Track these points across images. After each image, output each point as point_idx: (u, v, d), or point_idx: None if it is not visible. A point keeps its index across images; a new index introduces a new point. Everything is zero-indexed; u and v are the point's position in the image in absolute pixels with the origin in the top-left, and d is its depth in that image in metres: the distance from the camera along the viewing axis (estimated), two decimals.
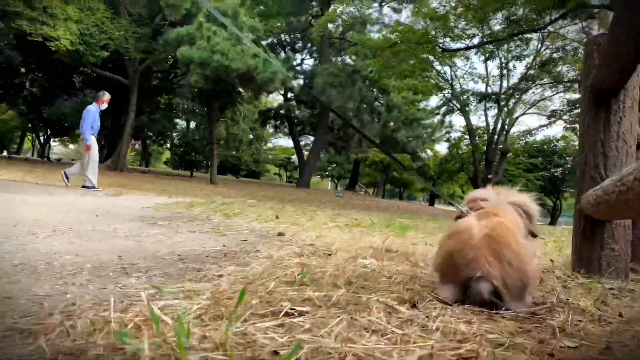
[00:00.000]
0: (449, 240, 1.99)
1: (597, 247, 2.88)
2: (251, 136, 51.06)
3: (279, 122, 35.63)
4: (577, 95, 22.13)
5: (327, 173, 55.20)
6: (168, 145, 45.17)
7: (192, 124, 45.24)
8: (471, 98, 25.00)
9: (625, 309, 2.08)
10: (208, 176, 25.89)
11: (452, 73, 24.86)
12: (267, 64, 20.33)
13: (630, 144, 2.84)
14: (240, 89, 26.01)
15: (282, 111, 33.97)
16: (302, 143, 38.56)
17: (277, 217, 6.44)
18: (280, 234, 4.46)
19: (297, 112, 34.70)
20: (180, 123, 45.71)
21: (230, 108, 31.88)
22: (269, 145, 60.32)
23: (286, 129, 36.35)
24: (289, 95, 34.47)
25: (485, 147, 25.17)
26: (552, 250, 5.52)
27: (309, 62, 36.64)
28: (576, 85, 21.46)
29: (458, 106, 25.33)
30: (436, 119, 30.00)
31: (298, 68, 34.34)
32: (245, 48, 20.07)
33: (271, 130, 44.19)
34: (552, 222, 27.07)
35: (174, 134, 43.05)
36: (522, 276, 1.78)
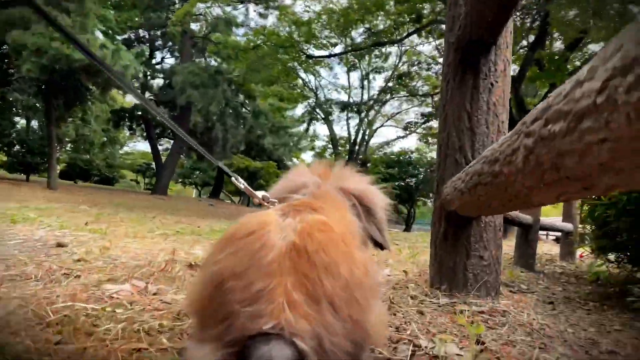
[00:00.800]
0: (221, 253, 1.05)
1: (462, 256, 2.16)
2: (104, 138, 46.86)
3: (134, 123, 32.87)
4: (429, 109, 23.41)
5: (190, 180, 52.57)
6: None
7: (35, 123, 40.01)
8: (334, 107, 25.23)
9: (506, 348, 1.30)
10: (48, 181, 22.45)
11: (317, 82, 24.86)
12: (116, 56, 18.35)
13: (502, 119, 2.19)
14: (88, 84, 23.28)
15: (138, 112, 31.31)
16: (161, 148, 36.07)
17: (86, 224, 5.14)
18: (60, 245, 3.30)
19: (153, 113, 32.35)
20: (22, 122, 40.06)
21: (78, 105, 28.49)
22: (126, 149, 55.96)
23: (143, 132, 33.68)
24: (147, 95, 32.02)
25: (347, 157, 25.51)
26: (406, 258, 4.96)
27: (170, 61, 34.35)
28: (429, 99, 22.69)
29: (322, 115, 25.41)
30: (302, 127, 29.91)
31: (158, 67, 32.04)
32: (92, 37, 17.95)
33: (127, 132, 40.84)
34: (407, 229, 28.27)
35: (12, 133, 37.62)
36: (357, 329, 0.96)
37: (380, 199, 1.61)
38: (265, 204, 1.49)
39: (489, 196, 1.33)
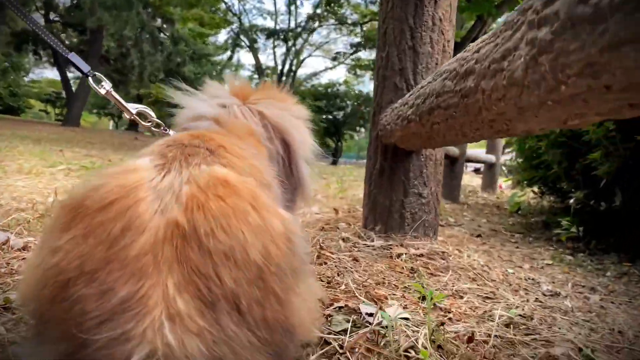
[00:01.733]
0: (63, 235, 0.67)
1: (399, 193, 1.91)
2: (6, 64, 42.45)
3: (39, 47, 29.76)
4: (358, 39, 22.93)
5: (105, 111, 49.29)
6: None
7: None
8: (259, 34, 24.05)
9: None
10: None
11: (241, 6, 23.47)
12: None
13: (448, 38, 1.89)
14: None
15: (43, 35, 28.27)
16: (72, 75, 33.14)
17: None
18: None
19: (62, 36, 29.39)
20: None
21: None
22: (33, 76, 51.07)
23: (50, 58, 30.65)
24: (52, 16, 28.85)
25: None
26: (335, 193, 4.76)
27: None
28: (358, 29, 22.19)
29: (247, 42, 24.21)
30: (225, 55, 28.42)
31: None
32: None
33: (35, 58, 37.07)
34: (334, 163, 28.50)
35: None
36: (276, 332, 0.68)
37: (300, 134, 1.27)
38: (145, 123, 1.11)
39: (449, 124, 1.04)
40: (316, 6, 22.25)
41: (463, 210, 5.12)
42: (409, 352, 0.85)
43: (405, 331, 0.93)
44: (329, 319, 1.00)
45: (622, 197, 2.92)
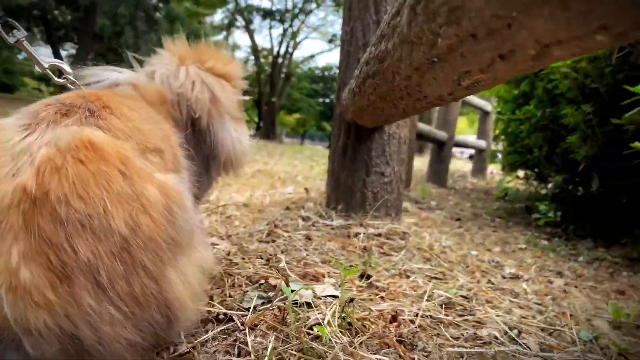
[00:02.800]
0: None
1: (361, 172, 1.86)
2: None
3: (32, 24, 29.37)
4: None
5: None
6: None
7: None
8: (255, 14, 23.72)
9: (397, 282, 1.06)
10: None
11: None
12: None
13: None
14: None
15: (35, 11, 27.82)
16: (65, 53, 32.79)
17: None
18: None
19: (56, 13, 28.98)
20: None
21: None
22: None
23: (43, 35, 30.29)
24: None
25: (270, 70, 24.55)
26: (317, 174, 4.72)
27: None
28: None
29: (242, 23, 23.91)
30: (221, 36, 28.10)
31: None
32: None
33: (28, 35, 36.50)
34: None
35: None
36: (146, 308, 0.63)
37: (228, 94, 1.17)
38: (58, 80, 1.03)
39: (378, 94, 1.00)
40: None
41: (449, 194, 5.08)
42: (313, 330, 0.81)
43: (321, 308, 0.90)
44: (244, 295, 0.96)
45: (599, 183, 2.88)
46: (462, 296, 1.25)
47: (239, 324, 0.83)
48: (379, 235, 1.79)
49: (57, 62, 1.06)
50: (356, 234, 1.75)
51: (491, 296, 1.34)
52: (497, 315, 1.12)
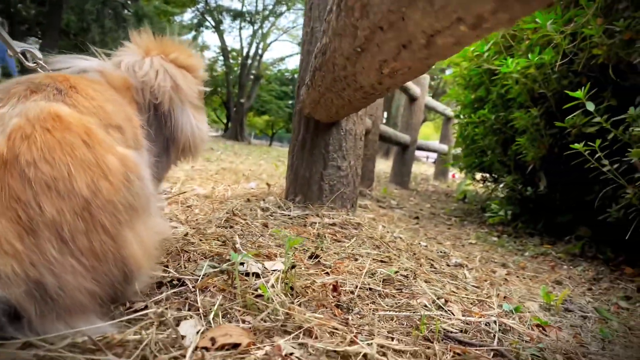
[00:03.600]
0: None
1: (318, 165, 1.96)
2: None
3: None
4: None
5: None
6: None
7: None
8: (225, 15, 23.61)
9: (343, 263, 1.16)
10: None
11: None
12: None
13: None
14: None
15: None
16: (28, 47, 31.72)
17: None
18: None
19: (19, 6, 28.15)
20: None
21: None
22: None
23: (5, 29, 29.28)
24: None
25: (239, 71, 24.44)
26: (282, 173, 4.80)
27: None
28: None
29: (212, 23, 23.76)
30: (190, 35, 27.85)
31: None
32: None
33: None
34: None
35: None
36: (104, 262, 0.73)
37: (189, 84, 1.27)
38: (29, 64, 1.11)
39: (325, 84, 1.10)
40: None
41: (411, 195, 5.25)
42: (258, 292, 0.90)
43: (268, 276, 0.99)
44: (198, 265, 1.04)
45: (546, 183, 3.06)
46: (402, 275, 1.36)
47: (191, 287, 0.91)
48: (334, 224, 1.89)
49: (28, 47, 1.14)
50: (312, 223, 1.85)
51: (431, 278, 1.45)
52: (430, 289, 1.23)
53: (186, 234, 1.37)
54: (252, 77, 24.43)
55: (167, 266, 1.02)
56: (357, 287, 1.10)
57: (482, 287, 1.56)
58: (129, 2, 27.99)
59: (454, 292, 1.27)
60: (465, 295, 1.27)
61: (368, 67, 0.70)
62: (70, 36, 28.27)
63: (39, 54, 1.13)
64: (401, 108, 15.67)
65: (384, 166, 9.64)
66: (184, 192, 2.25)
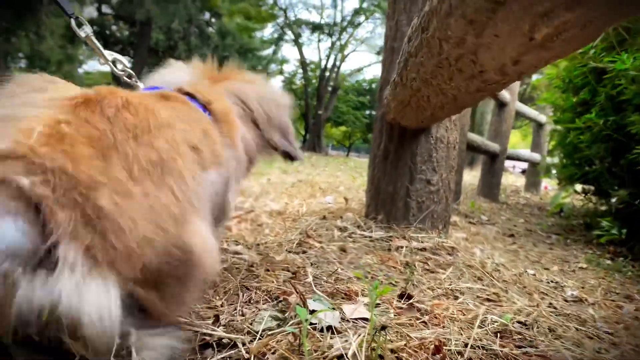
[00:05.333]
0: None
1: (404, 179, 1.69)
2: (61, 56, 44.25)
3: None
4: None
5: None
6: None
7: None
8: (304, 28, 23.92)
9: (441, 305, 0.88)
10: None
11: (287, 0, 23.52)
12: None
13: None
14: None
15: (95, 27, 29.19)
16: (119, 67, 34.03)
17: None
18: None
19: (113, 28, 30.35)
20: None
21: (29, 18, 26.19)
22: (87, 68, 52.92)
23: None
24: (104, 8, 29.87)
25: (317, 83, 24.65)
26: (360, 185, 4.55)
27: None
28: None
29: (291, 36, 24.16)
30: (271, 50, 28.56)
31: None
32: None
33: (87, 49, 38.53)
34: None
35: None
36: (169, 231, 0.64)
37: (282, 101, 1.27)
38: (118, 71, 1.26)
39: (422, 76, 0.84)
40: (362, 0, 21.84)
41: (501, 209, 4.80)
42: None
43: (347, 334, 0.74)
44: (258, 314, 0.81)
45: None
46: (519, 322, 1.05)
47: (244, 352, 0.68)
48: (424, 249, 1.61)
49: (118, 56, 1.29)
50: (397, 248, 1.58)
51: (554, 323, 1.13)
52: (565, 349, 0.92)
53: (251, 265, 1.16)
54: (329, 88, 24.50)
55: (218, 316, 0.80)
56: (466, 345, 0.82)
57: (617, 334, 1.21)
58: (212, 19, 29.28)
59: (597, 352, 0.95)
60: (612, 357, 0.94)
61: (507, 34, 0.45)
62: (159, 54, 30.07)
63: (127, 63, 1.27)
64: (487, 115, 14.88)
65: (468, 177, 9.09)
66: (251, 212, 2.06)
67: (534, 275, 1.84)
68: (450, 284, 1.30)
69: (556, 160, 4.61)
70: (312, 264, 1.23)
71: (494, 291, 1.31)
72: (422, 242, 1.66)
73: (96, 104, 0.70)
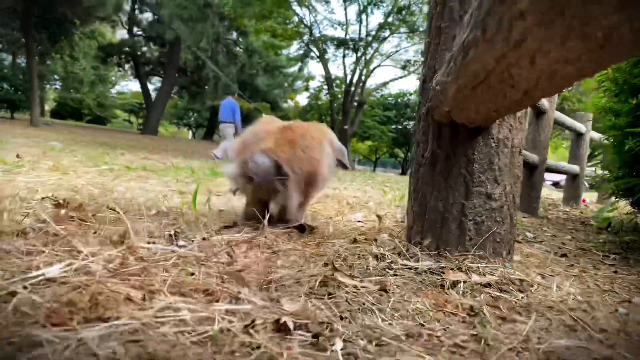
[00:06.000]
0: (251, 127, 2.14)
1: (457, 193, 1.30)
2: (94, 77, 45.32)
3: (122, 60, 31.41)
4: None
5: (184, 121, 51.15)
6: None
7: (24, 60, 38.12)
8: (329, 44, 23.73)
9: None
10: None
11: (312, 17, 23.44)
12: None
13: None
14: (73, 18, 21.93)
15: (126, 48, 29.66)
16: (152, 87, 34.63)
17: (17, 156, 4.42)
18: None
19: (144, 49, 30.82)
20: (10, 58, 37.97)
21: (63, 40, 26.79)
22: (119, 88, 54.15)
23: (133, 70, 32.21)
24: (135, 30, 30.37)
25: (342, 98, 24.38)
26: (391, 200, 4.15)
27: None
28: None
29: (317, 53, 24.01)
30: (297, 67, 28.51)
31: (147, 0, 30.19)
32: None
33: (119, 70, 39.28)
34: (403, 173, 27.65)
35: None
36: (310, 162, 1.89)
37: (336, 141, 2.22)
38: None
39: (484, 52, 0.48)
40: (387, 15, 21.51)
41: (542, 224, 4.32)
42: None
43: None
44: None
45: None
46: None
47: None
48: (488, 285, 1.22)
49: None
50: (454, 284, 1.19)
51: None
52: None
53: (252, 323, 0.78)
54: (355, 103, 24.18)
55: None
56: None
57: None
58: (239, 39, 29.43)
59: None
60: None
61: None
62: (187, 73, 30.30)
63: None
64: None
65: None
66: (263, 236, 1.68)
67: (627, 315, 1.42)
68: (539, 342, 0.90)
69: (602, 171, 4.13)
70: (342, 317, 0.86)
71: (603, 351, 0.91)
72: (484, 275, 1.27)
73: (288, 127, 1.96)
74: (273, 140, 1.81)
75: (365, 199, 4.20)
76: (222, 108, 10.71)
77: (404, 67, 24.52)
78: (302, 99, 38.52)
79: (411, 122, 31.52)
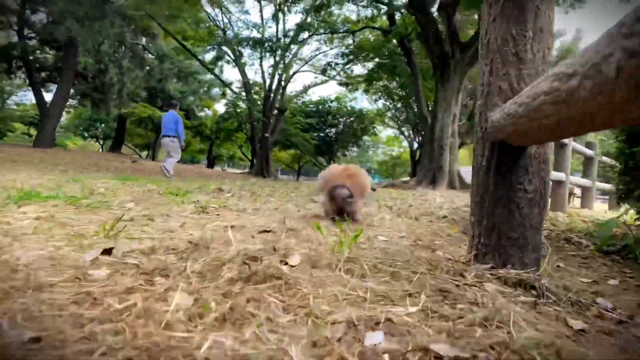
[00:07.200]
0: (325, 171, 3.31)
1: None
2: None
3: (12, 66, 27.82)
4: (349, 50, 21.78)
5: (90, 133, 47.32)
6: None
7: None
8: (244, 45, 22.77)
9: None
10: None
11: (224, 18, 22.56)
12: None
13: (548, 45, 1.83)
14: None
15: (15, 52, 26.03)
16: (49, 95, 31.18)
17: None
18: None
19: (37, 53, 27.64)
20: None
21: None
22: (16, 99, 48.91)
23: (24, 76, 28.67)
24: (27, 32, 26.99)
25: (262, 105, 23.63)
26: (333, 240, 3.51)
27: None
28: (349, 40, 21.04)
29: (231, 56, 23.03)
30: (214, 73, 27.07)
31: None
32: None
33: (9, 78, 35.39)
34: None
35: None
36: (362, 188, 3.19)
37: (369, 180, 3.41)
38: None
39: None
40: (306, 13, 20.85)
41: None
42: None
43: None
44: None
45: None
46: None
47: None
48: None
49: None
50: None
51: None
52: None
53: None
54: (275, 110, 23.54)
55: None
56: None
57: None
58: (150, 44, 27.53)
59: None
60: None
61: None
62: (88, 79, 27.49)
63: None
64: None
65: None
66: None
67: None
68: None
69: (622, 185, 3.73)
70: None
71: None
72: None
73: (347, 168, 3.33)
74: (342, 177, 3.09)
75: (284, 239, 3.09)
76: (164, 122, 10.08)
77: (324, 72, 24.14)
78: (220, 107, 36.95)
79: (333, 130, 31.39)
